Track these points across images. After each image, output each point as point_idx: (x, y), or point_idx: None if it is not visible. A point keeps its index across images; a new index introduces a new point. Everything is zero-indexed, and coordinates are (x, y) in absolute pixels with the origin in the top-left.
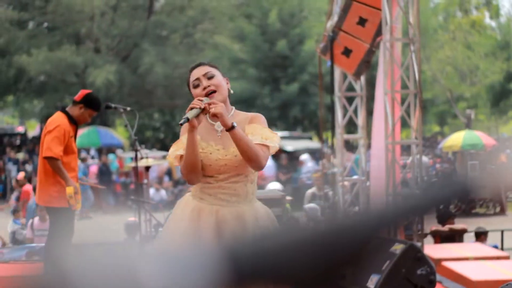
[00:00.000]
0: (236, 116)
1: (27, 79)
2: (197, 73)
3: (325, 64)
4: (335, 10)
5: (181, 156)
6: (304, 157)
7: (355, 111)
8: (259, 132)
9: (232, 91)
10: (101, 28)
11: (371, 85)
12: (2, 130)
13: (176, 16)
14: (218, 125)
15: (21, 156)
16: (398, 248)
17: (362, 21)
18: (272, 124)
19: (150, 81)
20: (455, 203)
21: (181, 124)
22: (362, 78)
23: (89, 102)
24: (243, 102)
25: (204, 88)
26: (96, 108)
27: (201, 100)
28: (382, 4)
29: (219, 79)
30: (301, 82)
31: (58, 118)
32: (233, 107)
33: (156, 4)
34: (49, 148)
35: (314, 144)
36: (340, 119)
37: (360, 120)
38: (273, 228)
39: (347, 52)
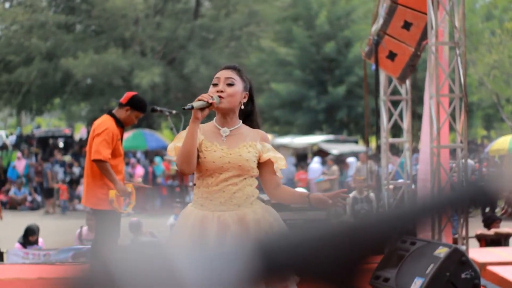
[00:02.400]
0: (243, 128)
1: (73, 82)
2: (222, 73)
3: (370, 68)
4: (380, 13)
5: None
6: (351, 160)
7: (400, 115)
8: (278, 161)
9: (243, 107)
10: (146, 32)
11: (416, 88)
12: (50, 132)
13: (222, 19)
14: (224, 131)
15: (67, 158)
16: (442, 251)
17: (407, 25)
18: (318, 127)
19: (195, 84)
20: (502, 206)
21: (184, 109)
22: (407, 81)
23: (135, 104)
24: (290, 105)
25: (218, 91)
26: (142, 110)
27: (211, 97)
28: (427, 8)
29: (236, 90)
30: (348, 84)
31: (106, 121)
32: (240, 121)
33: (202, 7)
34: (98, 151)
35: (360, 147)
36: (385, 123)
37: (405, 124)
38: (300, 225)
39: (392, 55)
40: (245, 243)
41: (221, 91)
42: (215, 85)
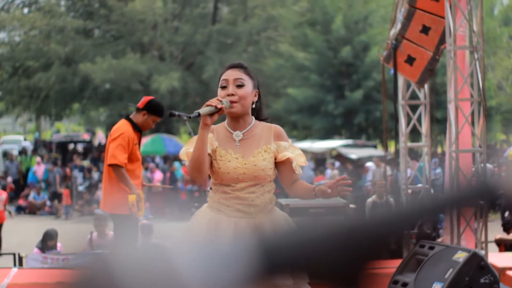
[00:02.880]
0: (256, 127)
1: (92, 87)
2: (230, 74)
3: (388, 72)
4: (398, 18)
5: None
6: (369, 164)
7: (419, 119)
8: (296, 158)
9: (254, 106)
10: (165, 36)
11: (436, 93)
12: (69, 137)
13: (240, 24)
14: (236, 135)
15: (86, 163)
16: (461, 256)
17: (425, 29)
18: (337, 132)
19: (213, 89)
20: None
21: (189, 117)
22: (426, 86)
23: (152, 108)
24: (307, 109)
25: (228, 95)
26: (159, 114)
27: (220, 101)
28: (445, 12)
29: (246, 91)
30: (365, 89)
31: (122, 126)
32: (253, 117)
33: (220, 12)
34: (114, 156)
35: (379, 152)
36: (403, 127)
37: (424, 128)
38: (304, 224)
39: (410, 60)
40: (247, 242)
41: (232, 94)
42: (224, 87)
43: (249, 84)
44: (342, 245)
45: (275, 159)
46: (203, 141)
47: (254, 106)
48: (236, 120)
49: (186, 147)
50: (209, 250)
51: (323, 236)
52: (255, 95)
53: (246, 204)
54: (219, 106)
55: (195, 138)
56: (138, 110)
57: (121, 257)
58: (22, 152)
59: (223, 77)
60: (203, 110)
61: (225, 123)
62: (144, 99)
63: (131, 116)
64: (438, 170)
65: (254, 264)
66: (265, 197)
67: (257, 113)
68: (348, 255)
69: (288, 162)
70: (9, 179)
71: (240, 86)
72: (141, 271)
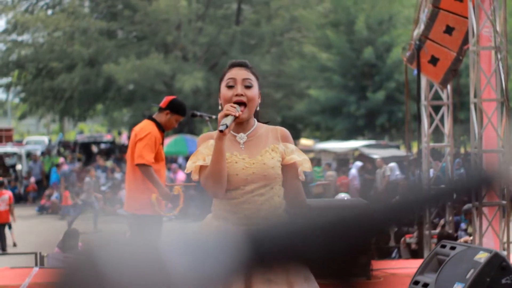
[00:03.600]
0: (259, 129)
1: (116, 88)
2: (238, 74)
3: (411, 73)
4: (422, 18)
5: (201, 167)
6: (392, 164)
7: (442, 120)
8: (303, 163)
9: (258, 109)
10: (189, 37)
11: (459, 93)
12: (92, 138)
13: (263, 24)
14: (240, 137)
15: (109, 164)
16: (482, 256)
17: (449, 30)
18: (359, 132)
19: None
20: None
21: (222, 131)
22: (449, 86)
23: (175, 107)
24: (330, 110)
25: (237, 95)
26: (182, 113)
27: (234, 107)
28: (468, 13)
29: (254, 93)
30: (388, 90)
31: (148, 126)
32: (255, 120)
33: (243, 13)
34: (141, 156)
35: (401, 152)
36: (426, 128)
37: (447, 129)
38: (293, 215)
39: (433, 60)
40: (235, 235)
41: (241, 95)
42: (231, 87)
43: (255, 85)
44: (332, 238)
45: (282, 160)
46: (222, 153)
47: (258, 108)
48: (239, 122)
49: (193, 161)
50: (197, 243)
51: (314, 228)
52: (259, 97)
53: (255, 209)
54: (237, 114)
55: (201, 149)
56: (161, 109)
57: (109, 252)
58: (46, 152)
59: (229, 75)
60: (227, 120)
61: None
62: (167, 99)
63: (154, 116)
64: (461, 171)
65: (242, 256)
66: (275, 200)
67: (256, 115)
68: (338, 247)
69: (293, 166)
70: (32, 179)
71: (249, 87)
72: (129, 265)
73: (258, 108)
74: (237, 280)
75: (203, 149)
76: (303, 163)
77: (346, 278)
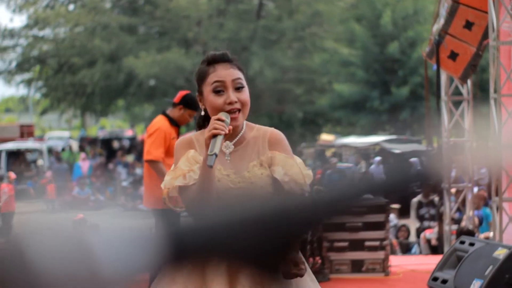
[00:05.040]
0: (247, 133)
1: (137, 84)
2: (225, 74)
3: (431, 68)
4: (442, 13)
5: (181, 187)
6: (413, 160)
7: (462, 115)
8: (295, 175)
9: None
10: (209, 32)
11: (480, 88)
12: (114, 134)
13: (285, 19)
14: (226, 146)
15: (130, 159)
16: (501, 253)
17: (468, 25)
18: (381, 127)
19: (258, 85)
20: None
21: (211, 166)
22: (469, 81)
23: (188, 102)
24: (352, 105)
25: (230, 103)
26: (195, 108)
27: (223, 120)
28: (488, 7)
29: (247, 94)
30: (411, 85)
31: (158, 121)
32: (244, 123)
33: (265, 8)
34: (149, 151)
35: (423, 147)
36: (446, 123)
37: (467, 124)
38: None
39: (453, 55)
40: (161, 227)
41: (235, 102)
42: (220, 92)
43: (245, 83)
44: (264, 229)
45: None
46: (211, 180)
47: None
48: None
49: (171, 176)
50: (121, 237)
51: (245, 219)
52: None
53: None
54: (227, 130)
55: (179, 166)
56: (174, 105)
57: (37, 242)
58: (67, 148)
59: (214, 77)
60: (216, 145)
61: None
62: (180, 94)
63: (168, 111)
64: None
65: (166, 249)
66: None
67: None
68: (269, 239)
69: (278, 180)
70: (48, 173)
71: (240, 88)
72: (56, 258)
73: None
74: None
75: (183, 163)
76: (294, 177)
77: (273, 270)
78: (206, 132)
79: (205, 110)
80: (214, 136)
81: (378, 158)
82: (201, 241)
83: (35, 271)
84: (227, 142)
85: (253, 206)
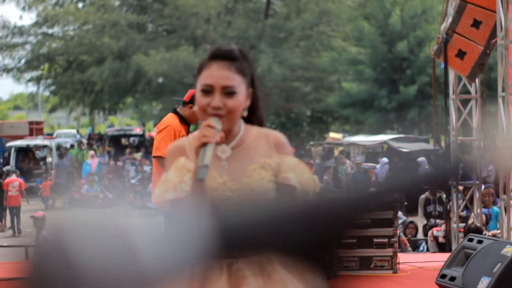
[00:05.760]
0: (247, 136)
1: (145, 81)
2: (217, 76)
3: (439, 67)
4: (449, 12)
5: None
6: (421, 159)
7: (470, 113)
8: (306, 182)
9: (244, 114)
10: (218, 30)
11: (488, 87)
12: (122, 131)
13: (293, 18)
14: (222, 150)
15: (138, 156)
16: (509, 250)
17: (476, 23)
18: (389, 126)
19: (267, 84)
20: None
21: (203, 179)
22: (477, 80)
23: None
24: (360, 104)
25: (213, 108)
26: None
27: (213, 127)
28: (496, 6)
29: (239, 101)
30: (419, 84)
31: (168, 119)
32: (242, 124)
33: (273, 6)
34: (158, 148)
35: (430, 146)
36: (454, 122)
37: (475, 122)
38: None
39: (461, 54)
40: (203, 221)
41: (218, 108)
42: (207, 93)
43: (241, 89)
44: (306, 223)
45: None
46: (203, 193)
47: (245, 113)
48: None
49: (162, 189)
50: (167, 231)
51: (288, 213)
52: (249, 97)
53: None
54: (217, 138)
55: (169, 177)
56: (185, 103)
57: (78, 240)
58: (76, 145)
59: (206, 76)
60: (207, 155)
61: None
62: (190, 92)
63: (178, 110)
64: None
65: (211, 243)
66: None
67: (254, 117)
68: (312, 233)
69: (289, 187)
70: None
71: (230, 94)
72: (98, 253)
73: (245, 114)
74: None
75: (173, 174)
76: (305, 183)
77: (319, 266)
78: (196, 139)
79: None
80: (204, 144)
81: (385, 159)
82: (246, 237)
83: (78, 269)
84: (224, 145)
85: (293, 202)
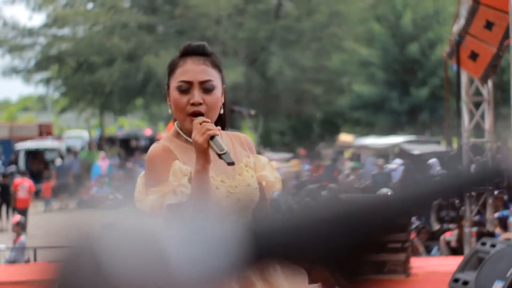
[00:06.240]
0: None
1: (155, 83)
2: (194, 73)
3: (452, 69)
4: (462, 13)
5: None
6: (432, 161)
7: (482, 116)
8: (275, 183)
9: (221, 111)
10: (228, 32)
11: (502, 89)
12: (132, 133)
13: (304, 19)
14: None
15: None
16: None
17: (489, 25)
18: (400, 128)
19: (277, 86)
20: None
21: (233, 163)
22: (489, 82)
23: None
24: (371, 106)
25: (193, 104)
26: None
27: (208, 122)
28: (509, 8)
29: (217, 96)
30: (431, 86)
31: None
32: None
33: (283, 8)
34: None
35: (442, 148)
36: (466, 124)
37: (487, 124)
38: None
39: (473, 56)
40: (237, 228)
41: (199, 104)
42: (185, 91)
43: (218, 84)
44: (342, 229)
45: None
46: (209, 190)
47: (222, 111)
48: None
49: (157, 196)
50: (198, 237)
51: (322, 219)
52: (223, 94)
53: None
54: (218, 132)
55: (169, 181)
56: None
57: (108, 243)
58: (86, 147)
59: (182, 73)
60: (223, 145)
61: (179, 138)
62: None
63: None
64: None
65: (244, 251)
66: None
67: (221, 117)
68: (349, 240)
69: (263, 185)
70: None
71: (209, 91)
72: (130, 261)
73: (222, 111)
74: (236, 276)
75: (174, 179)
76: (276, 183)
77: (355, 276)
78: (198, 136)
79: (170, 107)
80: (212, 138)
81: (399, 161)
82: (285, 242)
83: (108, 273)
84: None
85: (331, 205)
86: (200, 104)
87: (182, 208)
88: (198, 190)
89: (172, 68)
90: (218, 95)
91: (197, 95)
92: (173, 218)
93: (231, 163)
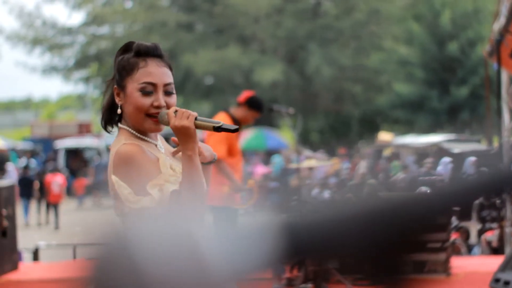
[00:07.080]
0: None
1: (194, 81)
2: (158, 76)
3: (492, 67)
4: (502, 12)
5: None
6: (471, 159)
7: None
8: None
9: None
10: (267, 30)
11: None
12: (171, 132)
13: (343, 18)
14: (160, 146)
15: None
16: None
17: None
18: (440, 127)
19: (316, 84)
20: None
21: (236, 130)
22: None
23: (253, 103)
24: (410, 105)
25: (158, 107)
26: (259, 110)
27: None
28: None
29: (175, 100)
30: (471, 85)
31: (220, 119)
32: None
33: (322, 6)
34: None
35: (482, 147)
36: (506, 122)
37: None
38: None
39: None
40: (271, 224)
41: (163, 106)
42: (149, 94)
43: (173, 86)
44: (381, 227)
45: None
46: (201, 171)
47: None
48: (157, 131)
49: (158, 188)
50: (233, 235)
51: (361, 215)
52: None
53: None
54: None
55: (164, 173)
56: (239, 104)
57: (143, 241)
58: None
59: (146, 76)
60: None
61: (135, 138)
62: (245, 94)
63: (231, 110)
64: None
65: (279, 247)
66: None
67: None
68: (389, 238)
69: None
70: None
71: (170, 94)
72: (165, 257)
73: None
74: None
75: (167, 169)
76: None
77: (395, 275)
78: (182, 121)
79: (121, 107)
80: (195, 119)
81: (447, 159)
82: (321, 238)
83: (145, 273)
84: (158, 142)
85: (371, 202)
86: (164, 107)
87: (179, 196)
88: (194, 174)
89: (130, 69)
90: (175, 98)
91: (161, 98)
92: (177, 204)
93: (235, 130)
